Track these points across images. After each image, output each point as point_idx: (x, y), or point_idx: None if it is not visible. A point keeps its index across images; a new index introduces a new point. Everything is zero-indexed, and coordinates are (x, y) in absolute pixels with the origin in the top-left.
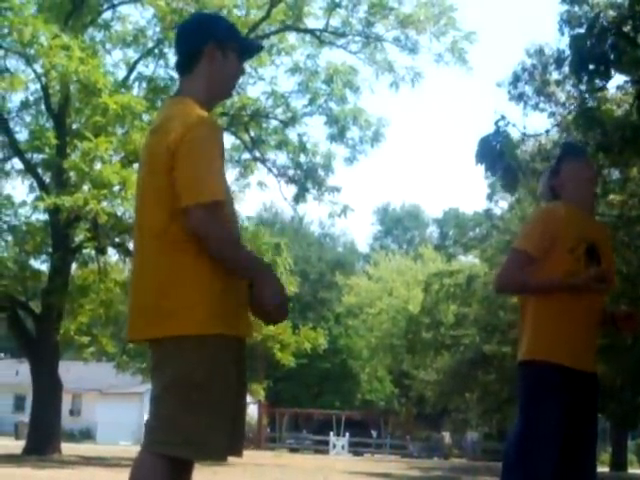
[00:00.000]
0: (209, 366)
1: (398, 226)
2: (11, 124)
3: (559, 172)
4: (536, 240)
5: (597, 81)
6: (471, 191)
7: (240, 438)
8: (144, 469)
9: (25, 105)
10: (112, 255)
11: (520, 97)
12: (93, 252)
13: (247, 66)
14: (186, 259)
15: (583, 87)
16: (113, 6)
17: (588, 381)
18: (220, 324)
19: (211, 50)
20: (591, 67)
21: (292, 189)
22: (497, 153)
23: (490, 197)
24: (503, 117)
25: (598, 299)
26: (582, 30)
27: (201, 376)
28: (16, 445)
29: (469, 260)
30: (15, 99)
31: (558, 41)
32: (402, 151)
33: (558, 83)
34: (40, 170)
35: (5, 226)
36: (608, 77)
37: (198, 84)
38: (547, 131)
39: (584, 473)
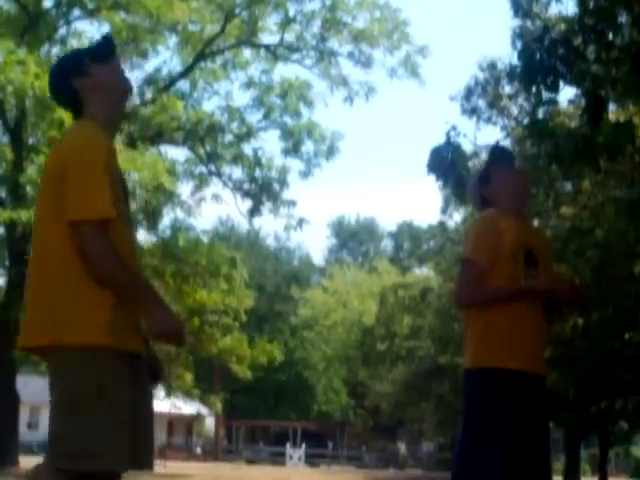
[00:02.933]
0: (96, 378)
1: (353, 239)
2: None
3: (489, 180)
4: (486, 250)
5: (546, 93)
6: (425, 204)
7: (146, 450)
8: None
9: None
10: None
11: (473, 111)
12: None
13: (202, 81)
14: (76, 272)
15: (533, 99)
16: (69, 22)
17: (537, 383)
18: (109, 337)
19: (78, 82)
20: (540, 79)
21: (248, 203)
22: (448, 163)
23: (444, 210)
24: (454, 127)
25: (540, 304)
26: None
27: (88, 388)
28: None
29: (423, 272)
30: None
31: (510, 55)
32: (357, 164)
33: (510, 97)
34: None
35: None
36: (557, 89)
37: (92, 110)
38: (497, 141)
39: (539, 477)
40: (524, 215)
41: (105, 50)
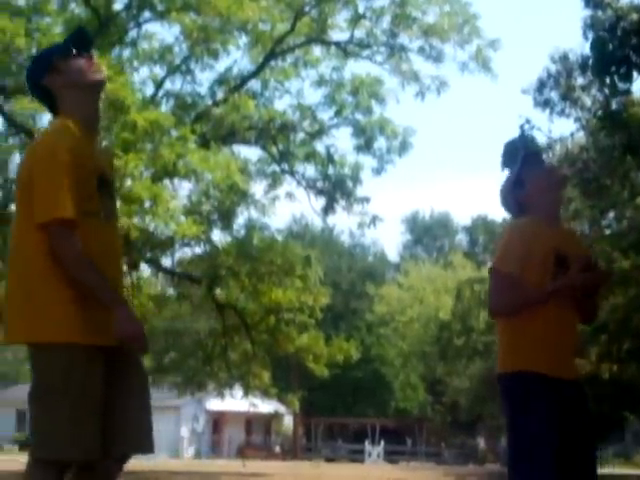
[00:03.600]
0: (62, 373)
1: (427, 234)
2: None
3: (524, 183)
4: (517, 260)
5: (620, 83)
6: (499, 198)
7: (125, 441)
8: (25, 475)
9: None
10: (144, 270)
11: (546, 103)
12: (126, 267)
13: (273, 80)
14: (44, 271)
15: (606, 90)
16: (139, 24)
17: (572, 388)
18: (76, 334)
19: (49, 79)
20: (613, 69)
21: (321, 201)
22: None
23: None
24: (528, 121)
25: (569, 303)
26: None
27: (55, 383)
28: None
29: None
30: (45, 118)
31: (582, 46)
32: (430, 160)
33: (583, 88)
34: None
35: None
36: (630, 79)
37: (66, 106)
38: (572, 134)
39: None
40: (558, 218)
41: (76, 45)
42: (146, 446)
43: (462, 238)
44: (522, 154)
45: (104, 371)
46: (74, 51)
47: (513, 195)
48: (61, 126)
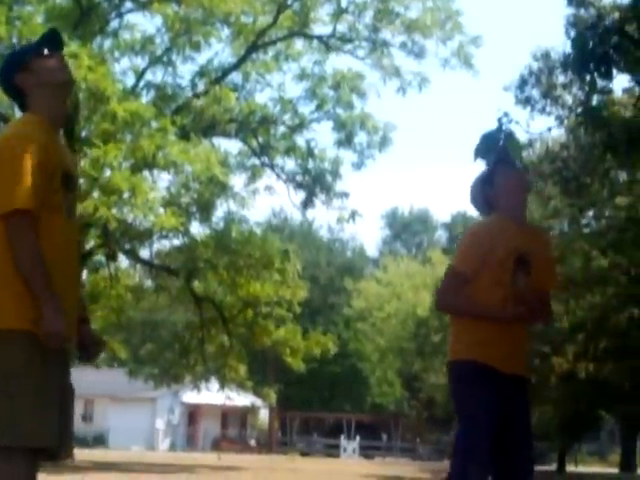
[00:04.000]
0: (25, 358)
1: (407, 230)
2: None
3: (493, 182)
4: (472, 260)
5: (600, 81)
6: None
7: (67, 439)
8: None
9: None
10: (122, 261)
11: (527, 101)
12: (104, 258)
13: (254, 73)
14: (3, 258)
15: (587, 88)
16: (121, 15)
17: (516, 383)
18: (28, 322)
19: (20, 78)
20: (593, 67)
21: (301, 195)
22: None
23: None
24: (506, 114)
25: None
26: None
27: (10, 370)
28: None
29: None
30: None
31: (564, 44)
32: (410, 155)
33: (564, 86)
34: None
35: None
36: (610, 77)
37: (34, 104)
38: (549, 129)
39: (518, 471)
40: (523, 217)
41: (48, 44)
42: (70, 449)
43: (441, 234)
44: (496, 155)
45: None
46: (46, 51)
47: (482, 193)
48: (28, 121)
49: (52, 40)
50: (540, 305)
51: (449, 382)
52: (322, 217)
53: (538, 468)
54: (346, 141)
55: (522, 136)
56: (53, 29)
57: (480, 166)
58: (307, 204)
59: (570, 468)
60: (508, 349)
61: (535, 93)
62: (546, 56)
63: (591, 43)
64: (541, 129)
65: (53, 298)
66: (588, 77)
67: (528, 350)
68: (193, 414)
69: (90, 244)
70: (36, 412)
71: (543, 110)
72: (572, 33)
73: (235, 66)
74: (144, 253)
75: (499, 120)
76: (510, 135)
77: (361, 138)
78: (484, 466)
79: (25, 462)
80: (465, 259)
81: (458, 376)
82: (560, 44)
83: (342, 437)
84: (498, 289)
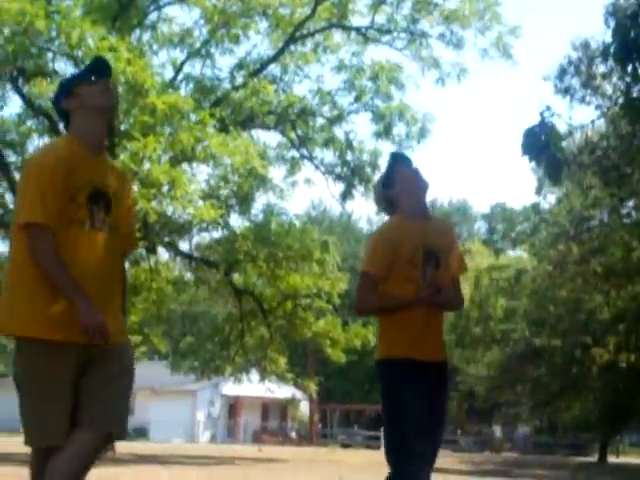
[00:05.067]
0: (25, 365)
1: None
2: (60, 126)
3: (393, 183)
4: (380, 262)
5: None
6: (518, 186)
7: (116, 419)
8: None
9: None
10: (162, 254)
11: (566, 90)
12: (144, 251)
13: (292, 65)
14: (22, 266)
15: (628, 78)
16: (159, 7)
17: (436, 369)
18: (37, 329)
19: (66, 102)
20: (634, 57)
21: (340, 186)
22: (542, 144)
23: (538, 191)
24: (548, 108)
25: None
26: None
27: (20, 374)
28: None
29: (517, 254)
30: None
31: (603, 33)
32: (449, 147)
33: (604, 76)
34: None
35: None
36: None
37: (75, 126)
38: (592, 121)
39: (435, 446)
40: (426, 214)
41: (95, 72)
42: (117, 432)
43: (480, 225)
44: (392, 157)
45: (76, 363)
46: (92, 77)
47: (383, 194)
48: (59, 141)
49: (100, 67)
50: (451, 291)
51: (379, 380)
52: (361, 209)
53: (580, 459)
54: (385, 132)
55: (562, 127)
56: (100, 57)
57: (523, 160)
58: (346, 196)
59: (611, 459)
60: (426, 339)
61: (575, 83)
62: (585, 45)
63: (632, 32)
64: (581, 120)
65: (84, 294)
66: (630, 67)
67: (443, 335)
68: (233, 406)
69: None
70: (35, 416)
71: (582, 100)
72: (612, 22)
73: (273, 58)
74: (184, 246)
75: (541, 114)
76: (551, 128)
77: (400, 129)
78: (417, 460)
79: (36, 459)
80: (373, 262)
81: (381, 375)
82: (600, 33)
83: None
84: (408, 285)
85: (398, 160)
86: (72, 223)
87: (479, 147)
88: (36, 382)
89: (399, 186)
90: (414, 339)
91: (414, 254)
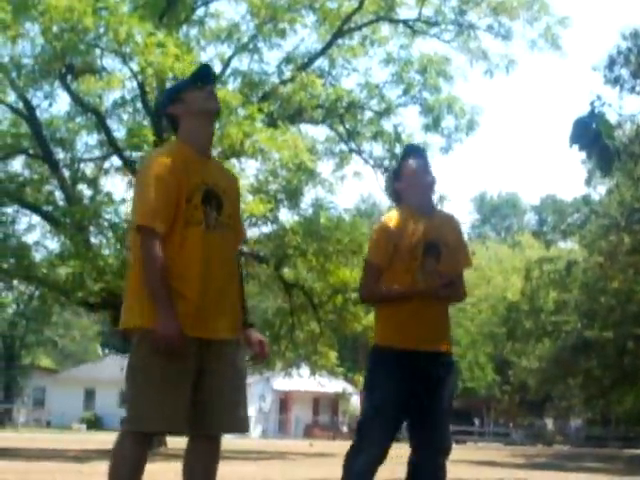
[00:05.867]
0: (144, 356)
1: (496, 214)
2: (109, 122)
3: (401, 176)
4: (382, 252)
5: None
6: (568, 177)
7: (207, 419)
8: (115, 444)
9: (122, 103)
10: None
11: (616, 80)
12: None
13: (340, 58)
14: (138, 268)
15: None
16: (207, 3)
17: (435, 360)
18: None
19: (173, 108)
20: None
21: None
22: (593, 135)
23: (588, 182)
24: (599, 97)
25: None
26: None
27: (140, 362)
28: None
29: (568, 246)
30: (112, 97)
31: None
32: (497, 139)
33: None
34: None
35: (106, 223)
36: None
37: (182, 131)
38: None
39: (435, 447)
40: (432, 207)
41: (201, 78)
42: (238, 426)
43: (530, 217)
44: (404, 149)
45: (197, 358)
46: (198, 84)
47: (392, 186)
48: (168, 146)
49: (204, 74)
50: (452, 284)
51: (367, 364)
52: None
53: (633, 452)
54: (433, 125)
55: (612, 117)
56: (205, 64)
57: (573, 151)
58: None
59: None
60: (425, 329)
61: (624, 72)
62: (635, 35)
63: None
64: (631, 110)
65: (167, 306)
66: None
67: (448, 326)
68: (284, 401)
69: None
70: (156, 403)
71: (632, 89)
72: None
73: (321, 52)
74: None
75: (591, 104)
76: (602, 118)
77: (448, 122)
78: (372, 455)
79: (135, 445)
80: (376, 252)
81: (373, 362)
82: None
83: None
84: (406, 276)
85: (410, 153)
86: (189, 224)
87: (528, 139)
88: (154, 369)
89: (406, 179)
90: (396, 328)
91: (415, 246)
